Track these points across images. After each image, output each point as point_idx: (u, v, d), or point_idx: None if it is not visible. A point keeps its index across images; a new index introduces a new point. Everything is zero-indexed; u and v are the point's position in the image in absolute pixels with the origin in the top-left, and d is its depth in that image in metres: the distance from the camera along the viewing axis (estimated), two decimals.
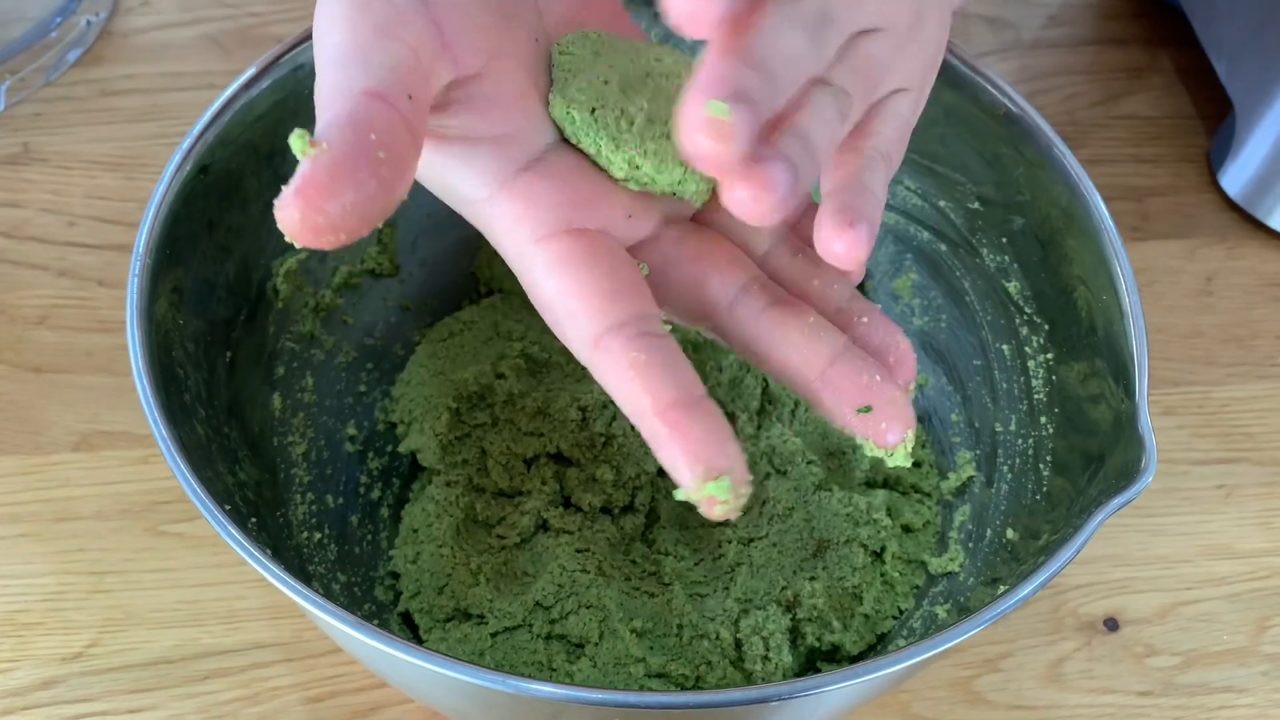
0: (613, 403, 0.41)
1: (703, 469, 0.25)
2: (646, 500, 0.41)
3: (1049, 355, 0.39)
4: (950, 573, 0.40)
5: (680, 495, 0.25)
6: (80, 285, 0.49)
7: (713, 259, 0.29)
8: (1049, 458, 0.38)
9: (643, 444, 0.41)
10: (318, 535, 0.40)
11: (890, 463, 0.27)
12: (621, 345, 0.26)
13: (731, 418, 0.43)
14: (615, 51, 0.29)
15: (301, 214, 0.22)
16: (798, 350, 0.27)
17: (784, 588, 0.39)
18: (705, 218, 0.30)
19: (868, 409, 0.27)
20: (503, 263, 0.47)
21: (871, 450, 0.27)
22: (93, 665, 0.41)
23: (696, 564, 0.41)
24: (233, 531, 0.30)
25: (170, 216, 0.36)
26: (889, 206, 0.44)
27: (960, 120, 0.40)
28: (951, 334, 0.43)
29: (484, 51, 0.27)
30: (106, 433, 0.45)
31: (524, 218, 0.27)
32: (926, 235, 0.43)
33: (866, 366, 0.27)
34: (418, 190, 0.44)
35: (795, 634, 0.39)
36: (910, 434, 0.27)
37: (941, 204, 0.42)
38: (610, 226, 0.28)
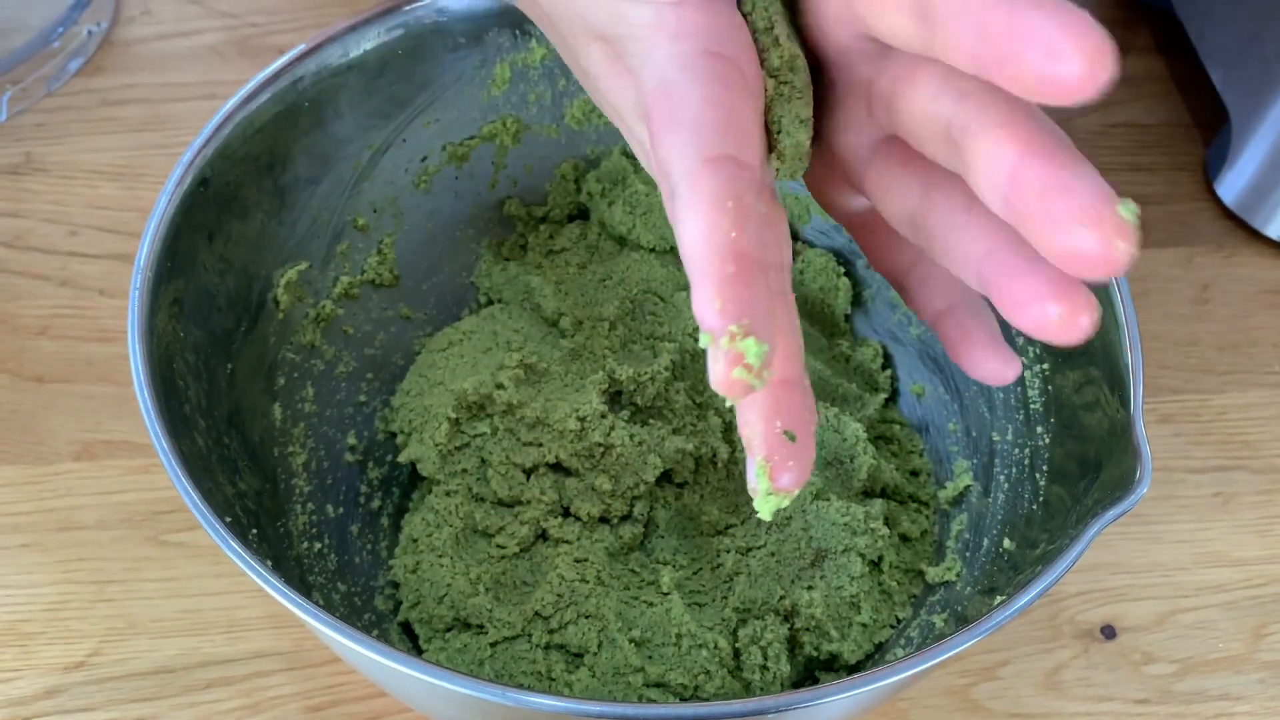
0: (610, 413, 0.42)
1: (749, 322, 0.23)
2: (645, 510, 0.41)
3: (1045, 365, 0.39)
4: (948, 582, 0.40)
5: (704, 343, 0.23)
6: (82, 295, 0.49)
7: None
8: (1045, 467, 0.38)
9: (641, 453, 0.41)
10: (318, 545, 0.40)
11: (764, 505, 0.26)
12: (734, 175, 0.25)
13: (729, 427, 0.43)
14: None
15: None
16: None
17: (782, 597, 0.39)
18: None
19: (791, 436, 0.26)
20: (502, 273, 0.47)
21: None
22: (95, 674, 0.41)
23: (695, 573, 0.41)
24: (232, 543, 0.31)
25: (171, 229, 0.36)
26: None
27: None
28: None
29: None
30: (108, 442, 0.45)
31: (706, 30, 0.27)
32: None
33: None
34: (418, 200, 0.45)
35: (793, 643, 0.39)
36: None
37: None
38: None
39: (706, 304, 0.23)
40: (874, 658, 0.39)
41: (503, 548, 0.41)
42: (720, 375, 0.23)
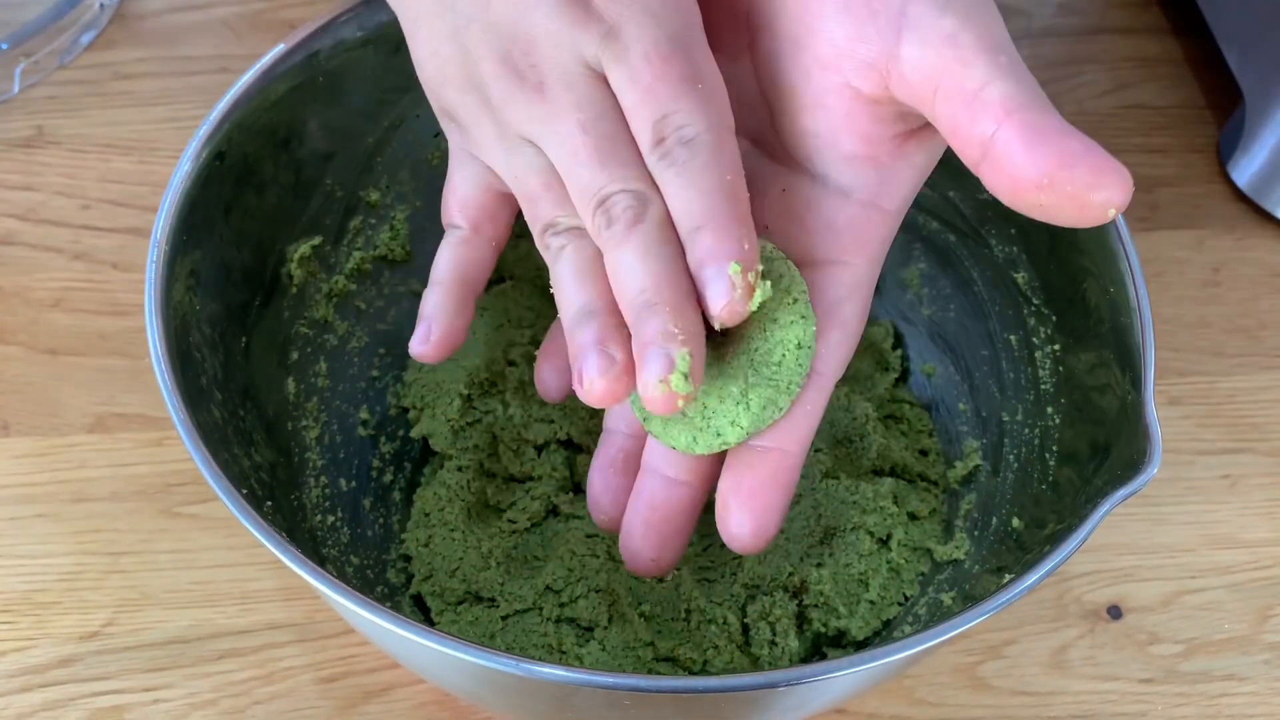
0: None
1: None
2: None
3: (1056, 346, 0.39)
4: (956, 560, 0.40)
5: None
6: (95, 268, 0.49)
7: None
8: (1055, 447, 0.38)
9: None
10: (331, 518, 0.40)
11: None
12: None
13: None
14: None
15: None
16: None
17: (791, 574, 0.39)
18: None
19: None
20: (514, 249, 0.47)
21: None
22: (109, 644, 0.41)
23: (705, 549, 0.41)
24: (250, 514, 0.31)
25: (187, 202, 0.36)
26: None
27: None
28: (960, 324, 0.44)
29: None
30: (121, 415, 0.46)
31: None
32: (935, 225, 0.44)
33: None
34: (430, 177, 0.45)
35: (801, 619, 0.39)
36: None
37: (950, 194, 0.43)
38: None
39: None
40: (882, 634, 0.40)
41: (514, 523, 0.41)
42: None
